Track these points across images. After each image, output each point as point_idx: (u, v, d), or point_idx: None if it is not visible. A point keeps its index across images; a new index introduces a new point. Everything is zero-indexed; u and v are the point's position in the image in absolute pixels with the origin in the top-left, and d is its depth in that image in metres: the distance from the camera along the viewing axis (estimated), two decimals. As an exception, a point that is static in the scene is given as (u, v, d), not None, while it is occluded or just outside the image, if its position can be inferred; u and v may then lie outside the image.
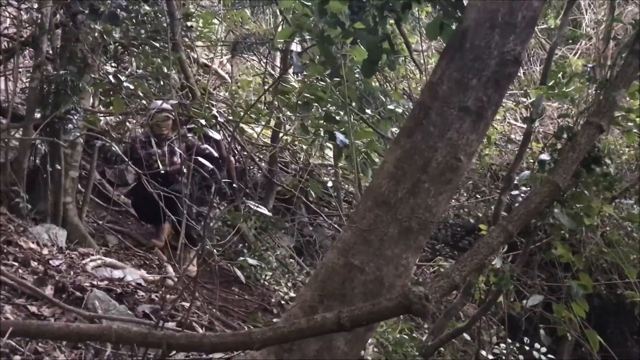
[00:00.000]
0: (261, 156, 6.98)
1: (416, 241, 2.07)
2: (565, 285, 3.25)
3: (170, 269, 4.15)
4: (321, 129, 3.63)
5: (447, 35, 2.14)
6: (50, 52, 3.85)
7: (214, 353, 2.02)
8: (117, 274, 2.99)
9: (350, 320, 1.35)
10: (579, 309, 3.19)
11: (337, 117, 3.68)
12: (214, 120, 4.38)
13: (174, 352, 1.92)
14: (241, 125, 5.53)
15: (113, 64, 4.31)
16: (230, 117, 5.08)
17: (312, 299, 2.06)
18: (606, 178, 3.35)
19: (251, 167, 6.62)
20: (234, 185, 4.83)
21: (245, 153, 6.51)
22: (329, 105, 3.57)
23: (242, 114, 4.76)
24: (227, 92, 7.13)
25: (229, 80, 7.79)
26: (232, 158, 5.37)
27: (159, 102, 4.12)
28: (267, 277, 5.04)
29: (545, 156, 3.41)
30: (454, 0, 2.04)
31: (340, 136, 3.00)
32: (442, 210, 2.09)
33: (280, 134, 5.42)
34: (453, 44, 2.06)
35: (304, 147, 6.19)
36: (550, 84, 3.67)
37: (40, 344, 1.79)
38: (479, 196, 7.38)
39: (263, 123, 4.96)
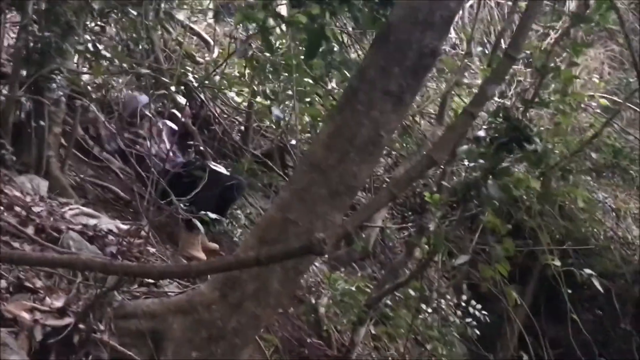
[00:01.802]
0: (241, 119, 7.29)
1: (342, 202, 2.46)
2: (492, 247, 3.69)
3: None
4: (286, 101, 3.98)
5: (379, 27, 2.48)
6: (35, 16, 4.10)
7: (161, 279, 2.41)
8: (92, 221, 3.34)
9: (266, 258, 1.73)
10: (502, 268, 3.64)
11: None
12: (188, 85, 4.69)
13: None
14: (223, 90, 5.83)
15: (96, 27, 4.57)
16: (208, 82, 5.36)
17: (253, 245, 2.46)
18: (535, 155, 3.75)
19: (230, 130, 6.93)
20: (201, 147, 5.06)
21: (225, 116, 6.82)
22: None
23: (217, 80, 5.06)
24: (208, 57, 7.38)
25: (212, 43, 8.02)
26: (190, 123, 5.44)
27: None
28: (238, 234, 5.44)
29: (481, 133, 3.81)
30: (383, -1, 2.38)
31: (276, 111, 3.37)
32: (366, 176, 2.48)
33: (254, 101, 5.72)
34: (381, 36, 2.41)
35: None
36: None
37: (21, 272, 2.16)
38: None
39: (235, 90, 5.27)
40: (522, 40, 2.14)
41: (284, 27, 2.57)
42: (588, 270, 3.64)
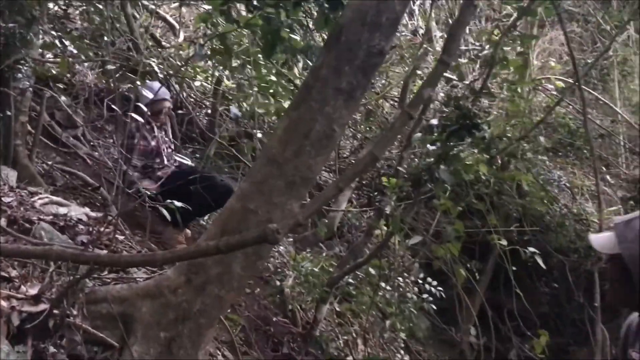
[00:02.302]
0: (208, 103, 7.39)
1: (299, 192, 2.65)
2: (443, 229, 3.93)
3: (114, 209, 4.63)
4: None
5: (330, 28, 2.65)
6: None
7: (128, 268, 2.58)
8: (62, 210, 3.47)
9: (226, 247, 1.91)
10: (453, 248, 3.89)
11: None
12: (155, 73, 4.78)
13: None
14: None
15: (60, 17, 4.63)
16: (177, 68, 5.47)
17: (215, 234, 2.64)
18: (483, 141, 3.99)
19: (197, 114, 7.03)
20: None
21: (192, 100, 6.91)
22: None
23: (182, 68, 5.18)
24: (174, 43, 7.43)
25: (177, 27, 8.06)
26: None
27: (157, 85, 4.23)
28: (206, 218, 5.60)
29: (434, 121, 4.02)
30: (334, 1, 2.55)
31: (234, 109, 3.55)
32: (320, 168, 2.67)
33: (220, 88, 5.85)
34: (333, 37, 2.58)
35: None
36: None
37: (-4, 263, 2.30)
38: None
39: (201, 78, 5.39)
40: (455, 46, 2.34)
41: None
42: (532, 249, 3.91)
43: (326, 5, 2.52)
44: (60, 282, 2.34)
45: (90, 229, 2.98)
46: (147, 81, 4.18)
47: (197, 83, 5.76)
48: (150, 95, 4.04)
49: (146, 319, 2.59)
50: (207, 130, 6.53)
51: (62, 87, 5.02)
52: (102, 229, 2.95)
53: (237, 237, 1.95)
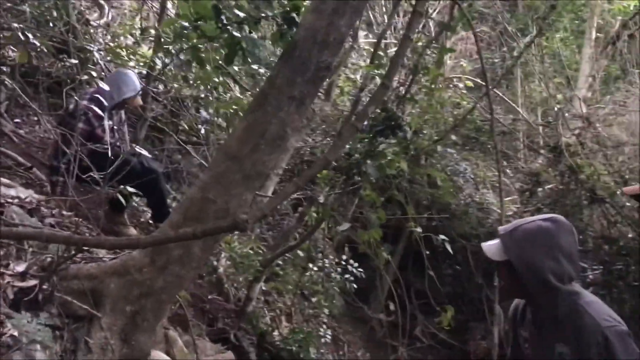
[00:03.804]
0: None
1: (254, 184, 3.03)
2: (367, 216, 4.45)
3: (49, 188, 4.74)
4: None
5: (285, 43, 3.03)
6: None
7: (113, 249, 2.87)
8: (12, 192, 3.64)
9: (202, 233, 2.27)
10: (375, 233, 4.40)
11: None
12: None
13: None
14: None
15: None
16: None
17: (177, 220, 2.97)
18: (405, 141, 4.52)
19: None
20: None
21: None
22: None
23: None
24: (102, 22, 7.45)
25: (105, 7, 8.04)
26: None
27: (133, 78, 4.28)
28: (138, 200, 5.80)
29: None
30: (290, 19, 2.93)
31: (203, 113, 3.88)
32: (274, 164, 3.05)
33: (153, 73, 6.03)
34: (288, 51, 2.97)
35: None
36: (376, 63, 4.73)
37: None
38: (329, 139, 8.54)
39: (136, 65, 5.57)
40: (394, 72, 2.79)
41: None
42: (442, 236, 4.50)
43: (282, 23, 2.90)
44: (40, 262, 2.59)
45: (52, 212, 3.20)
46: (123, 71, 4.24)
47: (132, 63, 5.91)
48: (132, 87, 4.13)
49: (114, 294, 2.89)
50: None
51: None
52: (64, 212, 3.19)
53: (212, 226, 2.31)
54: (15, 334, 2.21)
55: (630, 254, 7.88)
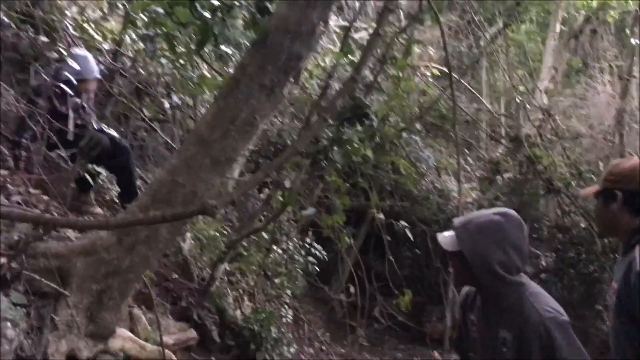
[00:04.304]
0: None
1: (223, 170, 3.11)
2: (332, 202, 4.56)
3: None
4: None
5: (257, 32, 3.09)
6: None
7: (85, 230, 2.91)
8: (-25, 167, 3.61)
9: (171, 216, 2.34)
10: (339, 218, 4.52)
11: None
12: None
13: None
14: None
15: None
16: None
17: (146, 202, 3.03)
18: (371, 129, 4.62)
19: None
20: None
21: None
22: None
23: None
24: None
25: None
26: None
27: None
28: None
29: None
30: (263, 7, 2.98)
31: (175, 98, 3.90)
32: (242, 150, 3.13)
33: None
34: (260, 40, 3.03)
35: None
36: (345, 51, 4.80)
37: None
38: (296, 122, 8.60)
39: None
40: (363, 66, 2.89)
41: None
42: (403, 223, 4.65)
43: (255, 11, 2.95)
44: (9, 240, 2.62)
45: (19, 190, 3.21)
46: (78, 51, 4.11)
47: (106, 46, 5.84)
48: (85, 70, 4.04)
49: (81, 273, 2.94)
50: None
51: None
52: (30, 190, 3.20)
53: (181, 210, 2.38)
54: (-14, 311, 2.25)
55: (581, 243, 8.23)
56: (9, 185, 3.23)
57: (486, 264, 2.17)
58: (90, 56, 4.24)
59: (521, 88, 10.37)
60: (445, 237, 2.26)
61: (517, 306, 2.17)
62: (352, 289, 5.82)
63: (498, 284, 2.19)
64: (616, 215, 2.18)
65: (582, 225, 8.20)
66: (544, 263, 8.63)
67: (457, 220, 2.29)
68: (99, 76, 4.14)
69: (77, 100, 4.19)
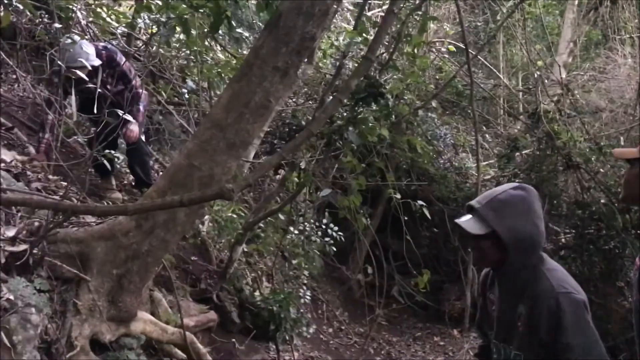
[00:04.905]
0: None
1: (238, 153, 3.10)
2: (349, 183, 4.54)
3: (32, 149, 4.75)
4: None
5: (270, 13, 3.06)
6: None
7: (103, 216, 2.94)
8: (-6, 154, 3.64)
9: (189, 201, 2.34)
10: (355, 199, 4.50)
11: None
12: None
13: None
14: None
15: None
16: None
17: (163, 187, 3.04)
18: (387, 108, 4.58)
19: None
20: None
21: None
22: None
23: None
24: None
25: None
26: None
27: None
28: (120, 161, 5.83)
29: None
30: (276, -10, 2.95)
31: (190, 83, 3.89)
32: (258, 132, 3.13)
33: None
34: (273, 21, 3.00)
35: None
36: (359, 29, 4.75)
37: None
38: (311, 102, 8.57)
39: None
40: (377, 46, 2.85)
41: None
42: (420, 202, 4.62)
43: (267, -7, 2.92)
44: (30, 226, 2.65)
45: (38, 176, 3.24)
46: (76, 39, 4.02)
47: (120, 30, 5.85)
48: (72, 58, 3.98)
49: (100, 257, 2.97)
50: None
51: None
52: (49, 177, 3.23)
53: (198, 194, 2.38)
54: (12, 297, 2.29)
55: (601, 219, 8.12)
56: (28, 172, 3.26)
57: (521, 239, 2.12)
58: (83, 44, 4.13)
59: (539, 63, 10.19)
60: (469, 222, 2.17)
61: (533, 281, 2.15)
62: (369, 269, 5.81)
63: (525, 259, 2.17)
64: None
65: (603, 201, 8.08)
66: (563, 240, 8.55)
67: (475, 202, 2.20)
68: (85, 64, 4.02)
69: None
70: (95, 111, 3.90)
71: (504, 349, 2.26)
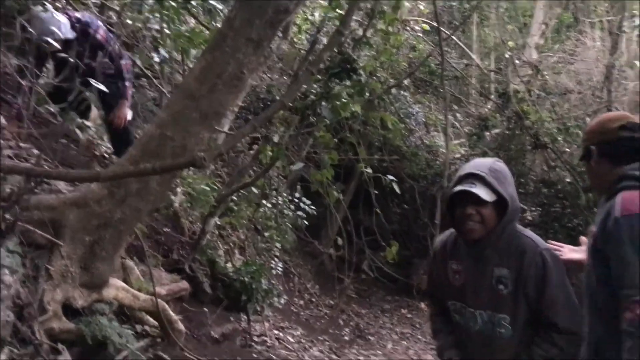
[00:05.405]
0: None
1: (210, 123, 3.14)
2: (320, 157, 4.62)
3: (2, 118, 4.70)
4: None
5: (244, -16, 3.08)
6: None
7: (76, 182, 2.96)
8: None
9: (161, 168, 2.39)
10: (327, 174, 4.58)
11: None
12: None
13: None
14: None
15: None
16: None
17: (136, 156, 3.07)
18: (359, 84, 4.65)
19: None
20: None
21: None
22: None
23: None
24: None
25: None
26: None
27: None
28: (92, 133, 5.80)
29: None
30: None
31: (162, 52, 3.89)
32: (232, 104, 3.16)
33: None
34: (246, -7, 3.03)
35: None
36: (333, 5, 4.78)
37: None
38: (285, 77, 8.58)
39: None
40: (350, 19, 2.90)
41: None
42: (390, 177, 4.72)
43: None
44: (2, 192, 2.67)
45: (9, 144, 3.24)
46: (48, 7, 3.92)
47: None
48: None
49: (73, 224, 3.00)
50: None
51: None
52: (21, 145, 3.24)
53: (171, 162, 2.43)
54: (-15, 259, 2.32)
55: (566, 197, 8.39)
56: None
57: (516, 206, 2.30)
58: (55, 14, 4.03)
59: (510, 43, 10.33)
60: (480, 190, 2.24)
61: (514, 242, 2.30)
62: (340, 241, 5.92)
63: (512, 225, 2.32)
64: (597, 169, 2.27)
65: (568, 180, 8.34)
66: (529, 217, 8.79)
67: (479, 171, 2.28)
68: (59, 35, 3.92)
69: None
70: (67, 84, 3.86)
71: (481, 315, 2.36)
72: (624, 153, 2.21)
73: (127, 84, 4.37)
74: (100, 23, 4.31)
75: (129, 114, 4.36)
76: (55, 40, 3.73)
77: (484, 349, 2.38)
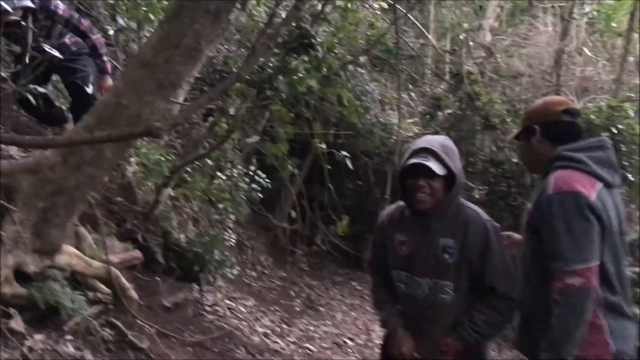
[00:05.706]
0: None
1: (167, 94, 3.17)
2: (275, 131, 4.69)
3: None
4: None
5: (203, -45, 3.09)
6: None
7: (31, 148, 2.96)
8: None
9: (116, 137, 2.43)
10: (283, 147, 4.67)
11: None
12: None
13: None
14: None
15: None
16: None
17: (91, 123, 3.08)
18: (317, 60, 4.72)
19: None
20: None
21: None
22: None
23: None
24: None
25: None
26: None
27: None
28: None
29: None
30: None
31: (120, 20, 3.86)
32: (188, 75, 3.19)
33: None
34: (205, -36, 3.04)
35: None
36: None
37: None
38: (243, 50, 8.53)
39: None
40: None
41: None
42: (343, 152, 4.83)
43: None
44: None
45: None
46: None
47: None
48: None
49: (26, 190, 3.00)
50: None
51: None
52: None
53: (127, 130, 2.47)
54: None
55: (512, 177, 8.71)
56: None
57: (463, 180, 2.48)
58: None
59: (465, 25, 10.52)
60: (432, 164, 2.37)
61: (458, 213, 2.46)
62: (294, 214, 6.03)
63: (458, 198, 2.48)
64: (538, 148, 2.43)
65: (514, 160, 8.64)
66: (477, 196, 9.09)
67: (430, 145, 2.42)
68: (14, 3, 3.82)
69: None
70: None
71: (427, 284, 2.49)
72: (564, 135, 2.38)
73: (104, 58, 4.38)
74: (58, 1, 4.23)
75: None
76: (13, 8, 3.65)
77: (427, 314, 2.52)
